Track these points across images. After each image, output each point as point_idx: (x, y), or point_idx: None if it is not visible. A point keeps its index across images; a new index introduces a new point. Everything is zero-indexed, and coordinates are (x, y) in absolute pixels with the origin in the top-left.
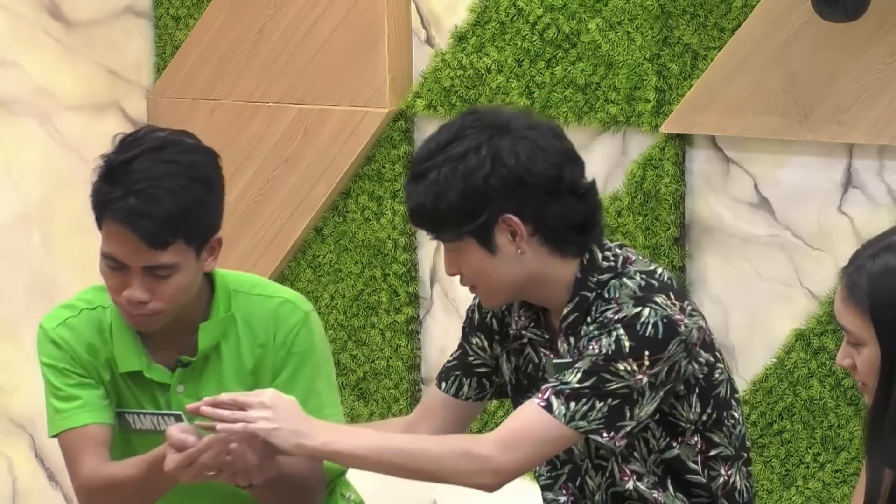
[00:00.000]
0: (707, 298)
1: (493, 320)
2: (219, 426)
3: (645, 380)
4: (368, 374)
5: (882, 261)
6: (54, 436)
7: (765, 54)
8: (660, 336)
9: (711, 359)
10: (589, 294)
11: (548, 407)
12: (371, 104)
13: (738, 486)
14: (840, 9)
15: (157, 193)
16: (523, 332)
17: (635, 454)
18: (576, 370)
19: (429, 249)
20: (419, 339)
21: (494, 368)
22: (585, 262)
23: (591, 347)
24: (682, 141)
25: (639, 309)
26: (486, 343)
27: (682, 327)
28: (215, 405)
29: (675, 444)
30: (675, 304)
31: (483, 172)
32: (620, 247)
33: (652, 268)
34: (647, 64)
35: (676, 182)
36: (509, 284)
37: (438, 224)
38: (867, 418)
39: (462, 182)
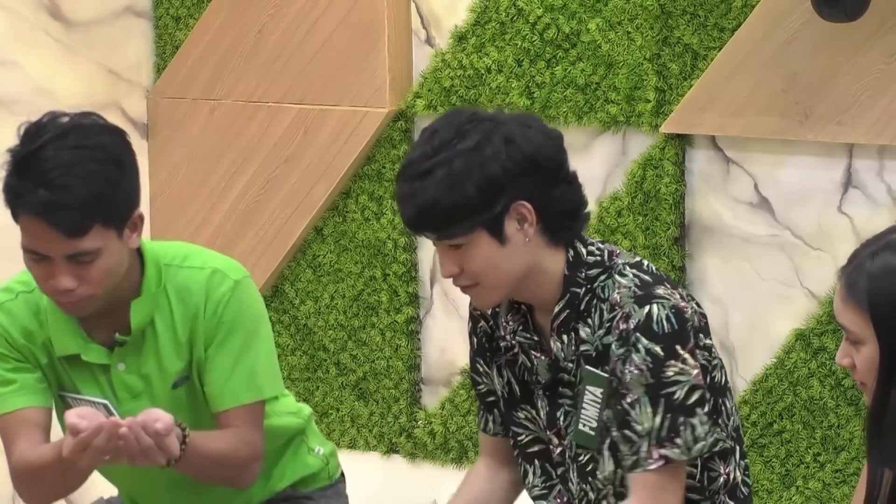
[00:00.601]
0: (707, 298)
1: (485, 338)
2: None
3: (696, 370)
4: (368, 374)
5: (881, 260)
6: None
7: (765, 54)
8: (676, 326)
9: (708, 342)
10: (579, 290)
11: (665, 459)
12: (371, 104)
13: (739, 482)
14: (840, 9)
15: (68, 182)
16: (514, 338)
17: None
18: (643, 411)
19: (429, 249)
20: (419, 340)
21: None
22: (571, 258)
23: (628, 372)
24: (682, 141)
25: (646, 308)
26: (485, 367)
27: (689, 312)
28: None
29: None
30: (674, 292)
31: (500, 160)
32: (602, 242)
33: (637, 259)
34: (647, 64)
35: (676, 182)
36: (512, 277)
37: (450, 220)
38: (867, 418)
39: (479, 170)
